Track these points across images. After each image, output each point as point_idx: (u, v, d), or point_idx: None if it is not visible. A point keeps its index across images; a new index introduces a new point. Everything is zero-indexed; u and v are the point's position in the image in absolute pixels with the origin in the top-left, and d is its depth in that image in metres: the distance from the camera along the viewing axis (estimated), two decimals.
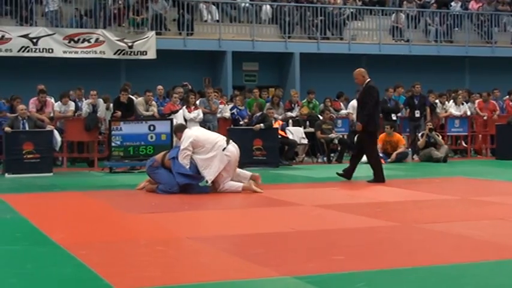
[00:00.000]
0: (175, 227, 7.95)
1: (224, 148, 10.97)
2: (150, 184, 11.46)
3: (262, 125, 16.54)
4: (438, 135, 18.64)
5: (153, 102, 17.85)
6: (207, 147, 10.97)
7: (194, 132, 11.37)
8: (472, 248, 6.54)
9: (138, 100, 17.95)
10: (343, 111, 20.55)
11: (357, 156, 13.27)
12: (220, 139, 11.19)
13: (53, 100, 17.72)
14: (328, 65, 25.00)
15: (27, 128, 15.29)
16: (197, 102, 17.84)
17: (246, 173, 11.38)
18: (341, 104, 21.15)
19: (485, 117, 20.67)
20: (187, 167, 10.88)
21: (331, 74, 24.75)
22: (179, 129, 11.62)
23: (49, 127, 15.76)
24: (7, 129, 14.98)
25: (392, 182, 13.09)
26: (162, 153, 11.61)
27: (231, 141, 11.21)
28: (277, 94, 20.22)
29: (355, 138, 13.65)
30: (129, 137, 15.58)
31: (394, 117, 19.28)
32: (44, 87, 17.75)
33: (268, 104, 18.83)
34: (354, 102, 19.87)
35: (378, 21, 25.73)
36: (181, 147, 11.02)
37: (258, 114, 16.99)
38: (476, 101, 21.12)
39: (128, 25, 22.57)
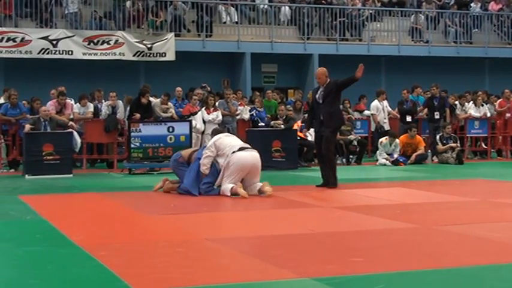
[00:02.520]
0: (195, 228, 7.96)
1: (233, 152, 10.82)
2: (169, 184, 11.47)
3: (282, 125, 16.56)
4: (456, 139, 18.60)
5: (170, 104, 17.93)
6: (225, 152, 10.84)
7: (221, 136, 11.21)
8: (492, 250, 6.50)
9: (157, 102, 18.03)
10: (367, 112, 20.47)
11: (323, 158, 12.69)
12: (237, 145, 11.02)
13: (72, 102, 17.82)
14: (347, 66, 24.81)
15: (48, 129, 15.38)
16: (216, 104, 17.86)
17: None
18: (364, 105, 21.07)
19: (507, 115, 20.53)
20: (206, 167, 10.85)
21: (350, 75, 24.62)
22: (213, 133, 11.62)
23: (71, 124, 15.87)
24: (28, 127, 15.08)
25: (411, 183, 13.07)
26: (191, 150, 11.68)
27: (247, 149, 11.02)
28: (299, 98, 20.21)
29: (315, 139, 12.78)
30: (148, 139, 15.62)
31: (409, 119, 19.19)
32: (64, 89, 17.84)
33: (289, 107, 18.78)
34: (376, 103, 19.82)
35: (397, 22, 25.66)
36: (205, 148, 11.07)
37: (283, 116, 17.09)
38: (497, 102, 20.98)
39: (147, 27, 22.66)
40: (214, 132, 11.58)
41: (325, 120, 12.21)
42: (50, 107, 16.86)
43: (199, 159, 11.03)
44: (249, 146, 11.12)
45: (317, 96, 12.47)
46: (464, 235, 7.20)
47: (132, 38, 21.78)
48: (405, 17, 26.24)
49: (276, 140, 16.52)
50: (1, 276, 5.53)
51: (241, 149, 10.84)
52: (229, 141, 11.07)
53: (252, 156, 10.90)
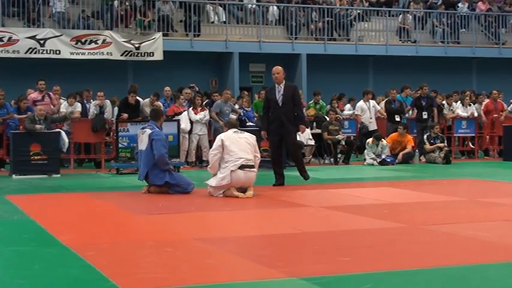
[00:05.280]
0: (183, 228, 7.95)
1: (233, 170, 10.61)
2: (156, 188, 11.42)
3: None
4: (443, 139, 18.65)
5: (159, 103, 17.91)
6: (227, 165, 10.66)
7: (230, 137, 10.90)
8: (479, 250, 6.52)
9: (145, 101, 18.02)
10: (346, 112, 20.52)
11: (281, 160, 12.73)
12: (241, 159, 10.70)
13: (61, 101, 17.81)
14: (335, 66, 25.01)
15: (43, 129, 15.35)
16: (214, 105, 17.86)
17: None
18: (343, 105, 21.12)
19: (498, 117, 20.59)
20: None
21: (337, 75, 24.78)
22: (228, 126, 11.46)
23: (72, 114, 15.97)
24: (37, 126, 15.08)
25: (399, 183, 13.09)
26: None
27: (246, 168, 10.70)
28: None
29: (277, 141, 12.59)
30: (135, 138, 15.55)
31: (397, 119, 19.23)
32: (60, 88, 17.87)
33: None
34: (361, 104, 19.91)
35: (384, 22, 25.71)
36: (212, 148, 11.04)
37: None
38: (483, 103, 21.04)
39: (135, 26, 22.61)
40: (230, 125, 11.34)
41: (286, 123, 12.26)
42: (32, 100, 16.89)
43: (153, 140, 11.10)
44: (252, 162, 10.80)
45: (277, 97, 12.38)
46: (451, 234, 7.22)
47: (120, 37, 21.72)
48: (393, 17, 26.31)
49: (264, 140, 16.48)
50: None
51: (241, 167, 10.63)
52: (237, 150, 10.72)
53: (247, 177, 10.74)
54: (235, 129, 11.10)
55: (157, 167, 11.13)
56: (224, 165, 10.69)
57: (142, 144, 11.32)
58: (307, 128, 17.21)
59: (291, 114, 12.35)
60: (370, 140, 18.06)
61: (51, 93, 17.53)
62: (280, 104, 12.33)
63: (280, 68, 12.69)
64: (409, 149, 18.24)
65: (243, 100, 19.27)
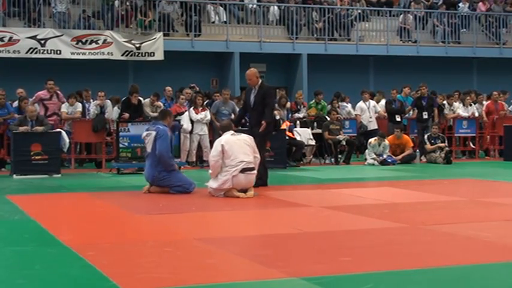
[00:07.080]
0: (183, 228, 7.96)
1: (234, 175, 10.58)
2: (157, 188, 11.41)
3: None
4: (444, 139, 18.65)
5: (160, 103, 17.92)
6: (228, 169, 10.62)
7: (229, 141, 10.83)
8: (480, 250, 6.52)
9: (146, 101, 18.02)
10: (344, 112, 20.52)
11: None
12: (242, 162, 10.65)
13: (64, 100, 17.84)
14: (336, 66, 25.00)
15: (29, 129, 15.33)
16: (212, 106, 17.85)
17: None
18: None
19: (498, 116, 20.59)
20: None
21: (338, 75, 24.76)
22: (222, 129, 11.40)
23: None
24: (20, 128, 15.05)
25: (400, 183, 13.09)
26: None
27: (247, 171, 10.69)
28: (285, 95, 20.19)
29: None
30: (136, 138, 15.56)
31: (398, 119, 19.23)
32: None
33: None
34: (361, 104, 19.96)
35: (385, 22, 25.70)
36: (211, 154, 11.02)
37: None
38: (485, 104, 21.05)
39: (136, 26, 22.62)
40: (224, 129, 11.25)
41: (254, 126, 12.26)
42: (39, 98, 16.90)
43: (157, 139, 11.13)
44: (252, 165, 10.79)
45: (250, 99, 12.43)
46: (452, 234, 7.22)
47: (121, 37, 21.71)
48: (394, 17, 26.29)
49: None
50: None
51: (242, 170, 10.60)
52: (236, 153, 10.67)
53: (248, 180, 10.73)
54: (232, 132, 11.08)
55: (160, 167, 11.16)
56: (225, 168, 10.66)
57: (149, 145, 11.33)
58: (289, 126, 17.30)
59: (261, 117, 12.16)
60: (372, 139, 18.05)
61: (59, 93, 17.54)
62: (252, 106, 12.40)
63: (252, 72, 12.43)
64: (409, 150, 18.24)
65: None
